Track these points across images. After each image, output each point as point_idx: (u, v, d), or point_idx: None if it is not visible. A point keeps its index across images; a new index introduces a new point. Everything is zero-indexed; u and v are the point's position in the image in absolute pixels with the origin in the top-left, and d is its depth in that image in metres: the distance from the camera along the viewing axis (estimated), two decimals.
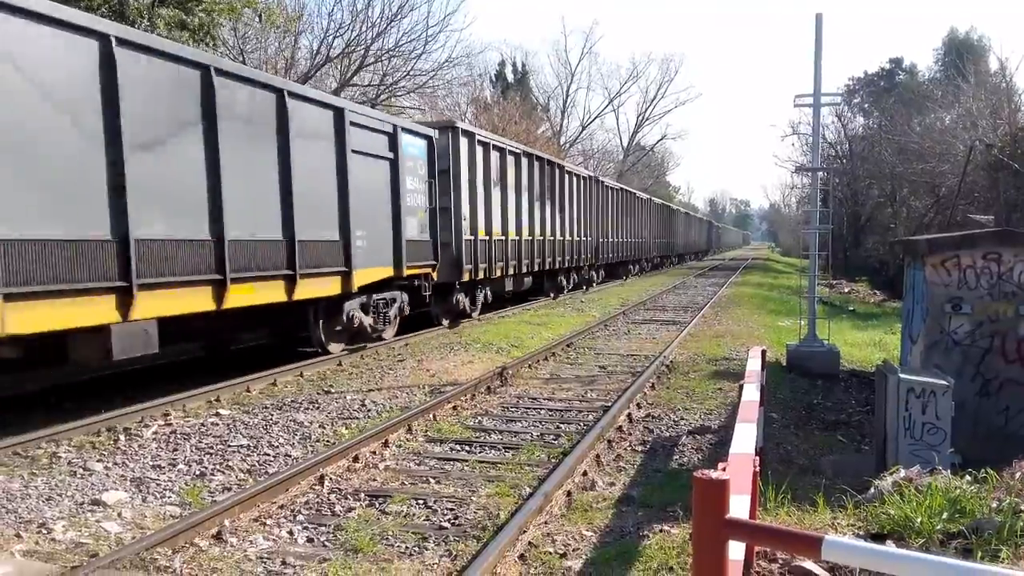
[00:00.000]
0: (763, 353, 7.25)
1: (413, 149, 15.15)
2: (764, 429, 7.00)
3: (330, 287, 12.19)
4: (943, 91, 36.02)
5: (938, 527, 5.06)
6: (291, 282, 11.13)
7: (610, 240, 33.52)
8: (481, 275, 18.70)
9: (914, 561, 2.16)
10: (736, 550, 2.59)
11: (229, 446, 8.05)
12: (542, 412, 9.83)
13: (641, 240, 41.49)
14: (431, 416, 9.28)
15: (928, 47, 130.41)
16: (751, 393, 5.39)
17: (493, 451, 8.07)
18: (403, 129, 14.74)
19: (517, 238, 21.36)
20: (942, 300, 8.07)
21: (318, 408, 9.72)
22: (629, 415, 9.48)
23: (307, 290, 11.55)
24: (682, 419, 9.47)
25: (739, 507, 2.80)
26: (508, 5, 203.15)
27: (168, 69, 9.12)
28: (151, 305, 8.78)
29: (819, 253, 13.83)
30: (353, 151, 12.71)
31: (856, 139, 46.99)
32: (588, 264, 29.95)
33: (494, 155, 19.77)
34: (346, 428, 8.84)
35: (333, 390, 10.78)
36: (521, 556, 5.36)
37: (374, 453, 7.80)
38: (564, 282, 27.23)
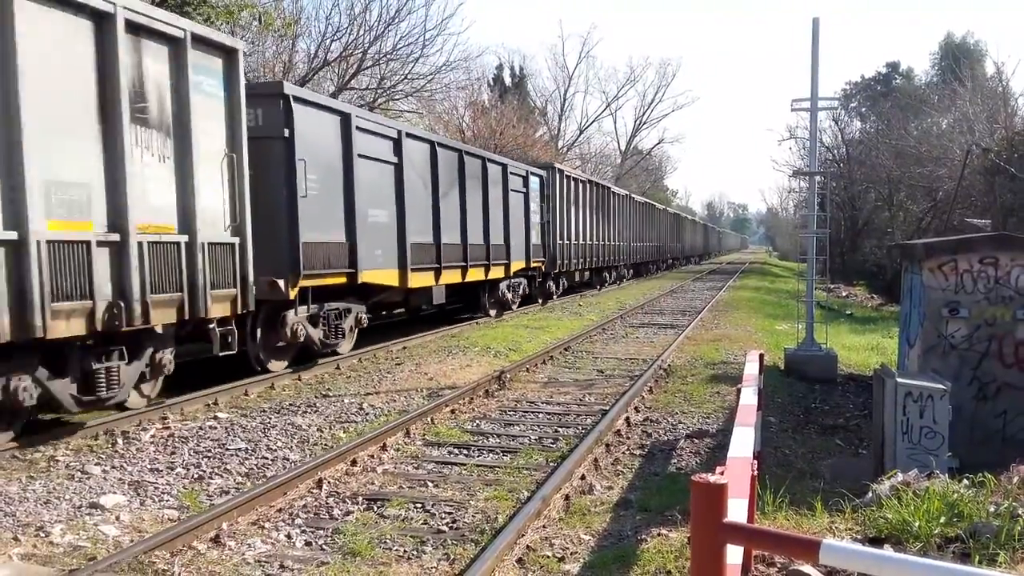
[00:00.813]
0: (761, 357, 7.25)
1: (534, 183, 23.39)
2: (762, 433, 7.01)
3: (498, 272, 20.29)
4: (940, 95, 36.16)
5: (936, 531, 5.07)
6: (487, 269, 19.44)
7: (637, 244, 40.44)
8: (565, 269, 26.72)
9: (912, 565, 2.17)
10: (734, 554, 2.59)
11: (227, 449, 8.04)
12: (540, 416, 9.83)
13: (660, 244, 49.23)
14: (429, 420, 9.28)
15: (925, 51, 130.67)
16: (749, 397, 5.40)
17: (491, 455, 8.07)
18: (531, 172, 23.18)
19: (580, 243, 28.54)
20: (939, 304, 8.08)
21: (316, 411, 9.72)
22: (627, 419, 9.49)
23: (493, 273, 19.88)
24: (680, 423, 9.48)
25: (737, 511, 2.81)
26: (506, 9, 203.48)
27: (449, 154, 17.43)
28: (445, 277, 16.91)
29: (817, 257, 13.87)
30: (511, 189, 21.09)
31: (853, 143, 47.02)
32: (623, 263, 37.08)
33: (571, 183, 27.61)
34: (344, 432, 8.84)
35: (331, 393, 10.78)
36: (519, 560, 5.36)
37: (372, 457, 7.80)
38: (608, 277, 34.25)
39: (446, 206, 16.70)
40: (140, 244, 8.43)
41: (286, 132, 11.26)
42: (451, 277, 17.18)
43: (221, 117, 9.79)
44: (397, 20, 31.58)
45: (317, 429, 8.90)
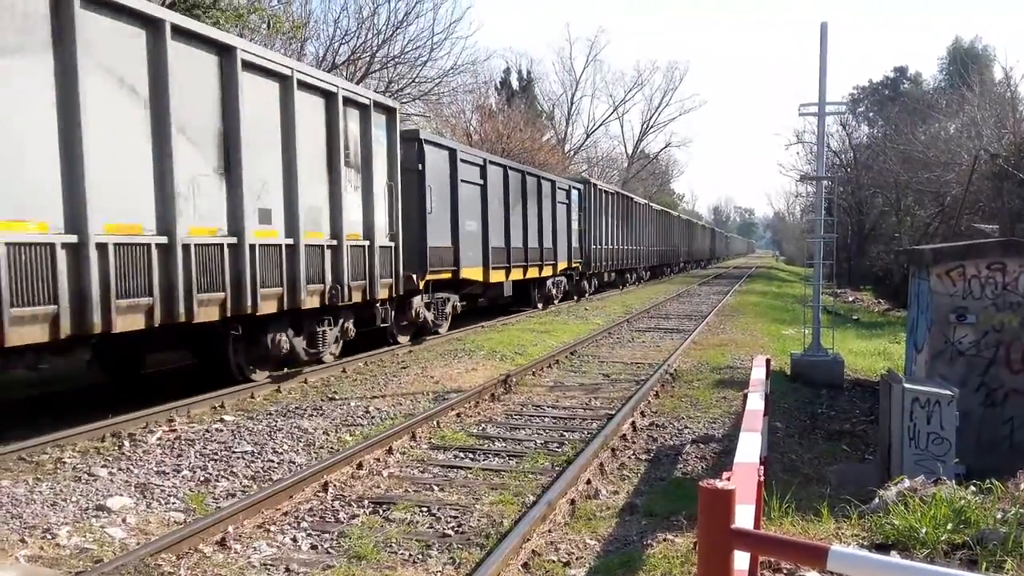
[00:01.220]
0: (767, 362, 7.24)
1: (574, 195, 27.55)
2: (768, 438, 6.99)
3: (548, 272, 24.37)
4: (948, 100, 36.04)
5: (943, 538, 5.05)
6: (540, 268, 23.53)
7: (654, 248, 44.08)
8: (596, 270, 30.55)
9: (921, 572, 2.16)
10: (741, 560, 2.59)
11: (233, 452, 8.06)
12: (546, 420, 9.83)
13: (673, 248, 52.89)
14: (435, 423, 9.28)
15: (933, 56, 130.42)
16: (755, 402, 5.38)
17: (497, 459, 8.07)
18: (572, 186, 27.36)
19: (609, 247, 32.43)
20: (947, 310, 8.06)
21: (322, 415, 9.73)
22: (633, 423, 9.47)
23: (544, 272, 24.16)
24: (686, 428, 9.46)
25: (744, 517, 2.80)
26: (513, 13, 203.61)
27: (516, 174, 21.34)
28: (513, 274, 20.78)
29: (823, 262, 13.84)
30: (558, 202, 25.41)
31: (860, 148, 46.97)
32: (642, 266, 40.56)
33: (602, 195, 31.59)
34: (350, 435, 8.85)
35: (337, 397, 10.79)
36: (525, 564, 5.36)
37: (378, 460, 7.80)
38: (629, 277, 38.01)
39: (513, 216, 20.97)
40: (348, 247, 12.55)
41: (420, 166, 15.55)
42: (516, 275, 21.36)
43: (385, 157, 13.89)
44: (405, 24, 31.72)
45: (323, 432, 8.91)
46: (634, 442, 8.81)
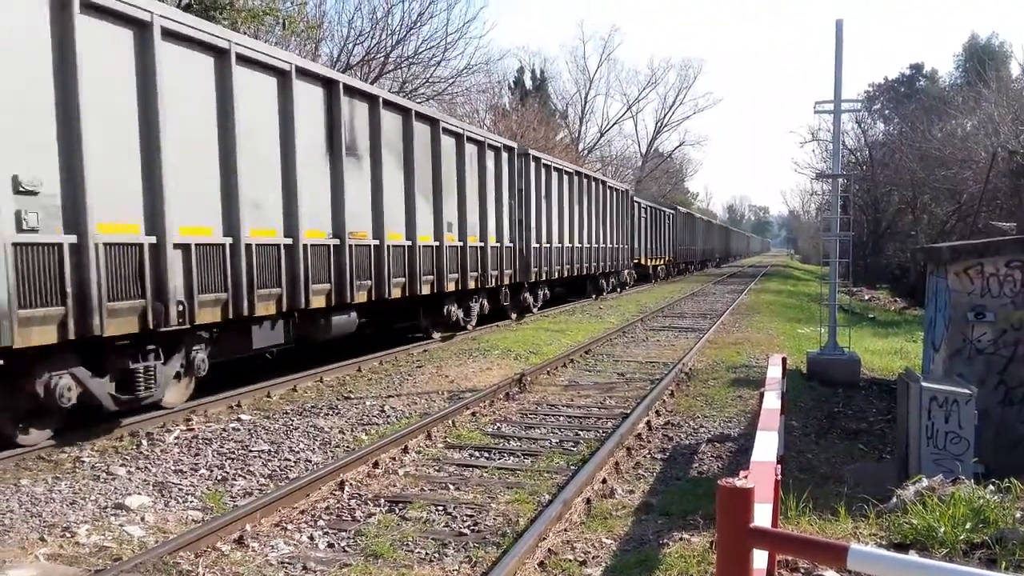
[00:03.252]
0: (784, 361, 7.21)
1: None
2: (784, 437, 6.97)
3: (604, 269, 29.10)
4: (964, 97, 35.79)
5: (962, 537, 5.02)
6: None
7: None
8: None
9: (941, 571, 2.15)
10: (759, 559, 2.58)
11: (250, 451, 8.10)
12: (561, 419, 9.82)
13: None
14: (450, 422, 9.30)
15: (949, 53, 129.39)
16: (772, 401, 5.36)
17: (512, 458, 8.07)
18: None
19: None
20: (965, 308, 8.00)
21: (338, 414, 9.77)
22: (648, 422, 9.46)
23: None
24: (702, 427, 9.44)
25: (761, 516, 2.79)
26: (527, 12, 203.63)
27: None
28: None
29: (839, 260, 13.77)
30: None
31: (876, 145, 46.70)
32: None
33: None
34: (366, 434, 8.87)
35: (352, 396, 10.83)
36: (541, 563, 5.36)
37: (394, 459, 7.82)
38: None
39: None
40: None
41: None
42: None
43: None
44: (419, 24, 31.79)
45: (339, 431, 8.95)
46: (649, 441, 8.80)
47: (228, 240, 9.73)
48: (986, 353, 7.96)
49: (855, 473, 7.74)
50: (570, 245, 24.40)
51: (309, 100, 11.38)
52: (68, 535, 5.80)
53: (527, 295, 21.42)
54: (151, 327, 8.49)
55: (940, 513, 5.27)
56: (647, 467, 7.84)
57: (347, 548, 5.68)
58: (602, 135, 64.98)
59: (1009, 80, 35.04)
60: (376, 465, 7.52)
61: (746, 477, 2.98)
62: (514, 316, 20.41)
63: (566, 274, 24.17)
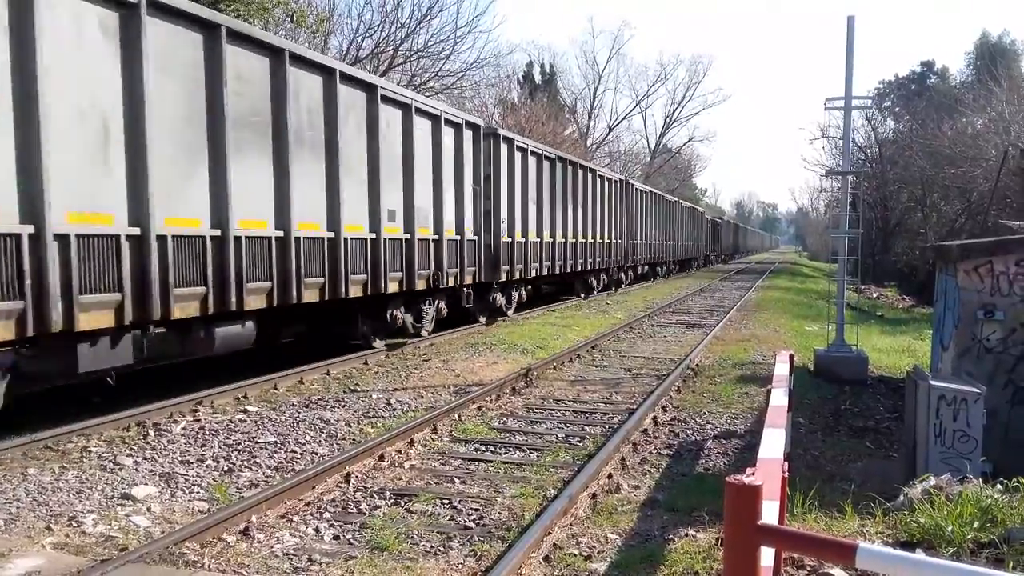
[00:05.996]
0: (791, 358, 7.19)
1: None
2: (791, 435, 6.94)
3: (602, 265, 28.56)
4: (975, 95, 35.60)
5: (969, 536, 5.00)
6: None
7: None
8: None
9: (949, 570, 2.13)
10: (766, 556, 2.57)
11: (257, 443, 8.11)
12: (567, 414, 9.81)
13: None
14: (456, 416, 9.30)
15: (960, 50, 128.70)
16: (779, 398, 5.34)
17: (518, 452, 8.07)
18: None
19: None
20: (974, 306, 7.97)
21: (344, 406, 9.78)
22: (655, 418, 9.44)
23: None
24: (708, 423, 9.42)
25: (768, 513, 2.78)
26: (536, 7, 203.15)
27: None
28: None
29: (848, 257, 13.71)
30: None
31: (886, 143, 46.53)
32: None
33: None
34: (372, 427, 8.88)
35: (359, 389, 10.84)
36: (546, 557, 5.36)
37: (400, 452, 7.83)
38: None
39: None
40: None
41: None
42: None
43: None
44: (429, 17, 31.76)
45: (345, 424, 8.95)
46: (655, 437, 8.78)
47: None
48: (995, 352, 7.92)
49: (862, 471, 7.71)
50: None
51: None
52: (74, 524, 5.81)
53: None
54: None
55: (948, 512, 5.24)
56: (653, 463, 7.83)
57: (352, 540, 5.68)
58: (611, 130, 64.86)
59: (1020, 78, 34.87)
60: (382, 458, 7.53)
61: (754, 474, 2.97)
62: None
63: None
